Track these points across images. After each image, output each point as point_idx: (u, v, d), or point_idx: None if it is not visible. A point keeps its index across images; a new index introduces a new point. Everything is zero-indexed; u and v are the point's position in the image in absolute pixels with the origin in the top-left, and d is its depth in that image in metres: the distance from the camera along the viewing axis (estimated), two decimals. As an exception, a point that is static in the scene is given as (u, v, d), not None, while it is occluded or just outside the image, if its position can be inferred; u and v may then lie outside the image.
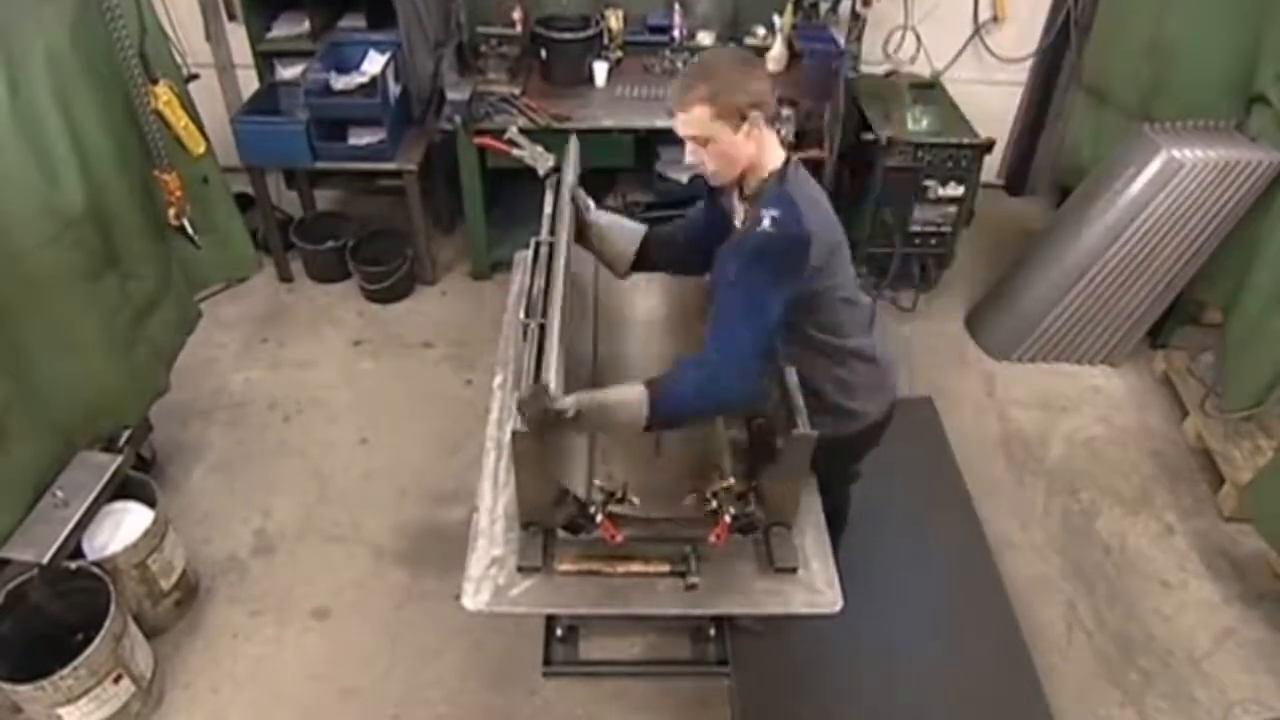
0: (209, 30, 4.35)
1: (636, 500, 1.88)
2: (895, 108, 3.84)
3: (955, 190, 3.83)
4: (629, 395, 1.75)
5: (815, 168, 3.75)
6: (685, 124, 1.80)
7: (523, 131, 2.82)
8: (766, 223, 1.72)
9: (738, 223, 1.96)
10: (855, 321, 2.02)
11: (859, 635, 2.64)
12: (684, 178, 4.00)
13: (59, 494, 2.49)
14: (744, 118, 1.76)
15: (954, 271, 4.21)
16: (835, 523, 2.12)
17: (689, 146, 1.85)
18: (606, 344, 2.46)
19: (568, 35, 3.90)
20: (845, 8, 3.99)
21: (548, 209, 2.54)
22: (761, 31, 4.25)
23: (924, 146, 3.72)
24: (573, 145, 2.63)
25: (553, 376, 1.85)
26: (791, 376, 1.96)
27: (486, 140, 2.96)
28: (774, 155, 1.87)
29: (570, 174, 2.51)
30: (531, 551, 1.94)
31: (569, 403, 1.68)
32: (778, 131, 1.95)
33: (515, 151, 2.77)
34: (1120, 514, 3.27)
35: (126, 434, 2.85)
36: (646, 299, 2.65)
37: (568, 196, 2.32)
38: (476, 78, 3.89)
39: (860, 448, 2.25)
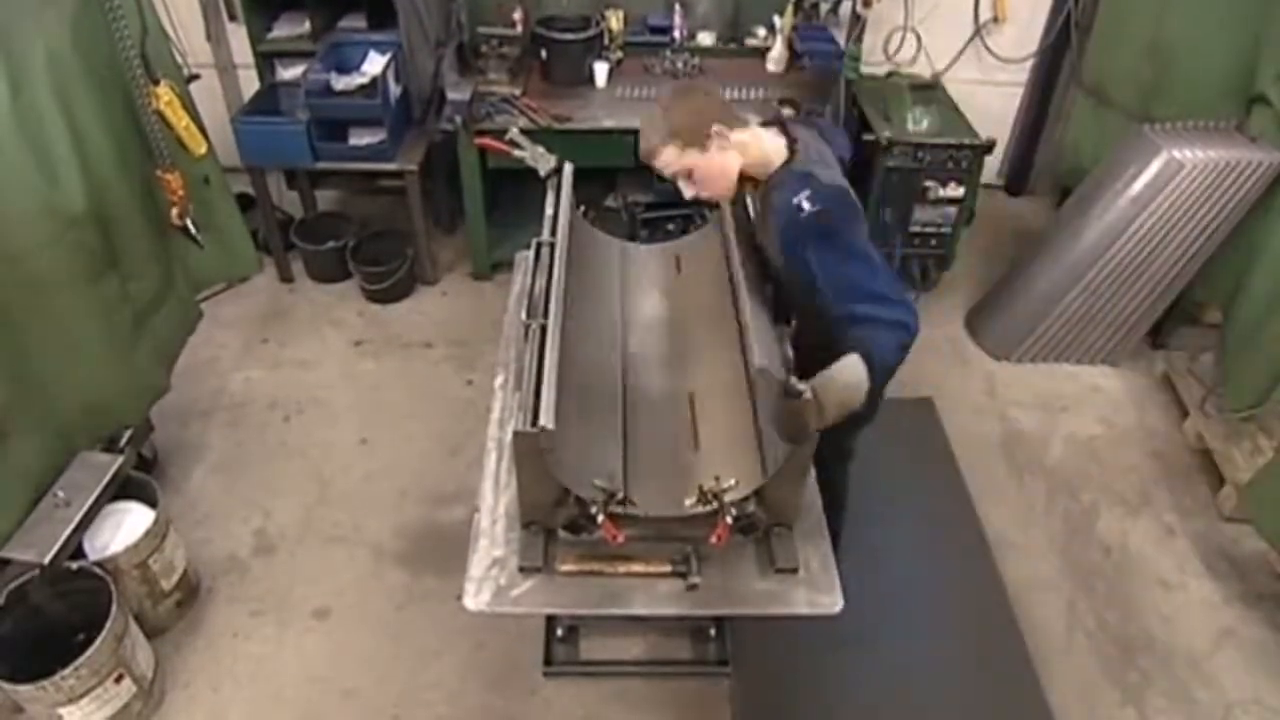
0: (210, 30, 4.36)
1: (637, 500, 1.89)
2: (895, 108, 3.85)
3: (955, 191, 3.83)
4: (851, 364, 1.68)
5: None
6: (665, 166, 1.96)
7: (523, 132, 2.83)
8: (805, 205, 1.84)
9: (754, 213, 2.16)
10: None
11: (859, 636, 2.65)
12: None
13: (60, 494, 2.49)
14: (707, 137, 1.90)
15: (954, 272, 4.21)
16: (834, 509, 2.12)
17: (681, 184, 2.00)
18: (635, 345, 2.45)
19: (568, 36, 3.90)
20: (845, 9, 4.00)
21: (549, 210, 2.54)
22: (762, 32, 4.26)
23: (924, 147, 3.73)
24: (567, 172, 2.63)
25: (549, 380, 1.86)
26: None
27: (487, 141, 2.96)
28: (769, 148, 1.98)
29: (565, 202, 2.51)
30: (533, 552, 1.94)
31: (804, 387, 1.61)
32: (769, 123, 2.05)
33: (516, 152, 2.77)
34: (1120, 514, 3.27)
35: (127, 434, 2.86)
36: (674, 297, 2.63)
37: (568, 199, 2.32)
38: (477, 78, 3.90)
39: (863, 418, 2.11)
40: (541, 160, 2.72)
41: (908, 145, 3.72)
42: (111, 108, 2.59)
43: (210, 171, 3.06)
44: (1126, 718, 2.65)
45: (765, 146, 1.98)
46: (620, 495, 1.84)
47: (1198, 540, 3.18)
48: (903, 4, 4.20)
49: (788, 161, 1.96)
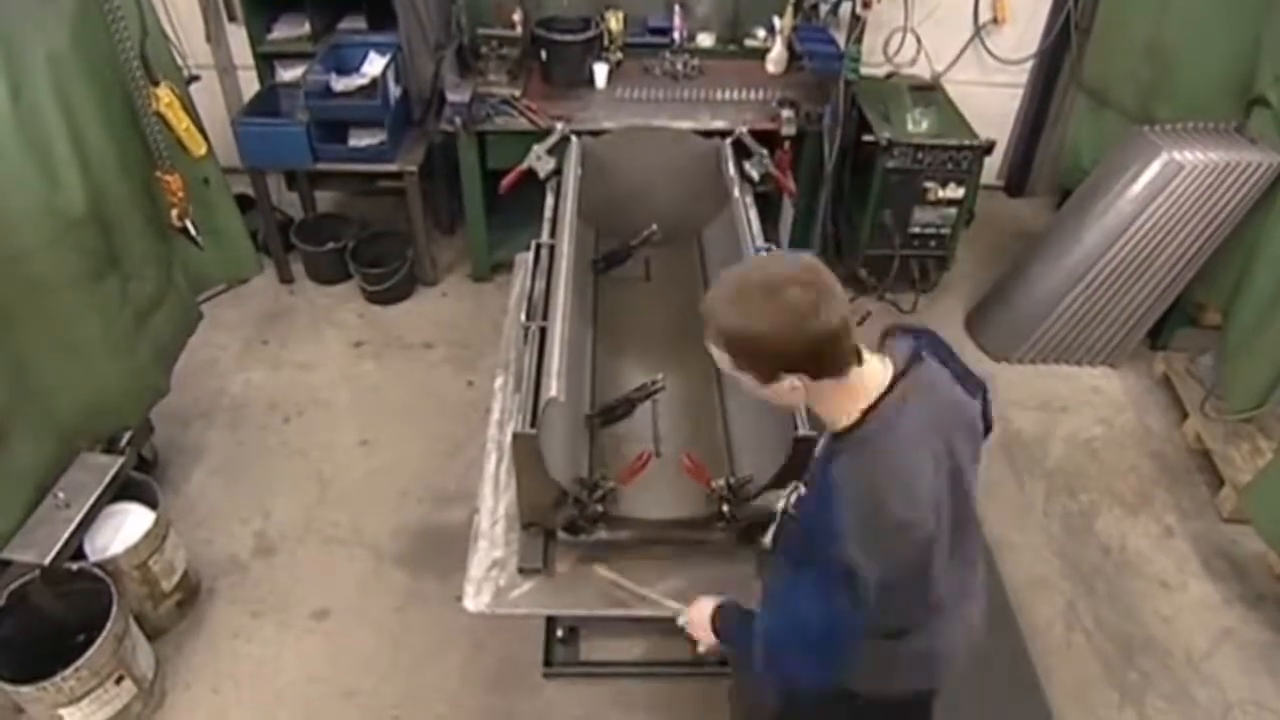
0: (210, 32, 4.36)
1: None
2: (895, 109, 3.85)
3: (955, 192, 3.83)
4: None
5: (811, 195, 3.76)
6: (716, 358, 1.38)
7: (522, 134, 2.83)
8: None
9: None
10: None
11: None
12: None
13: (60, 495, 2.49)
14: (773, 375, 1.32)
15: (954, 273, 4.21)
16: None
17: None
18: (606, 342, 2.46)
19: (568, 37, 3.90)
20: (845, 10, 4.00)
21: (548, 211, 2.56)
22: (762, 33, 4.26)
23: (924, 148, 3.72)
24: (574, 147, 2.64)
25: (554, 379, 1.86)
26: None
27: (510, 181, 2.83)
28: (854, 400, 1.37)
29: (572, 175, 2.52)
30: (532, 553, 1.95)
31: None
32: (881, 351, 1.46)
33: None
34: (1120, 515, 3.27)
35: (128, 435, 2.86)
36: (648, 299, 2.65)
37: (570, 199, 2.33)
38: (477, 79, 3.90)
39: None
40: (541, 162, 2.73)
41: (907, 146, 3.72)
42: (111, 109, 2.59)
43: (210, 173, 3.06)
44: (1126, 718, 2.65)
45: (853, 398, 1.37)
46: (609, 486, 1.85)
47: (1197, 541, 3.18)
48: (903, 5, 4.20)
49: (860, 423, 1.36)
